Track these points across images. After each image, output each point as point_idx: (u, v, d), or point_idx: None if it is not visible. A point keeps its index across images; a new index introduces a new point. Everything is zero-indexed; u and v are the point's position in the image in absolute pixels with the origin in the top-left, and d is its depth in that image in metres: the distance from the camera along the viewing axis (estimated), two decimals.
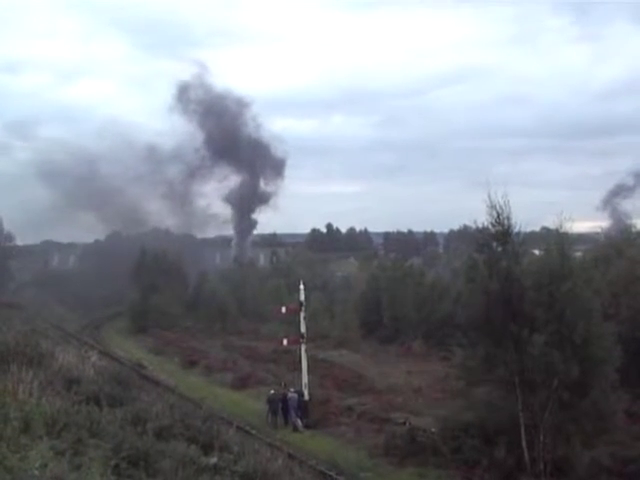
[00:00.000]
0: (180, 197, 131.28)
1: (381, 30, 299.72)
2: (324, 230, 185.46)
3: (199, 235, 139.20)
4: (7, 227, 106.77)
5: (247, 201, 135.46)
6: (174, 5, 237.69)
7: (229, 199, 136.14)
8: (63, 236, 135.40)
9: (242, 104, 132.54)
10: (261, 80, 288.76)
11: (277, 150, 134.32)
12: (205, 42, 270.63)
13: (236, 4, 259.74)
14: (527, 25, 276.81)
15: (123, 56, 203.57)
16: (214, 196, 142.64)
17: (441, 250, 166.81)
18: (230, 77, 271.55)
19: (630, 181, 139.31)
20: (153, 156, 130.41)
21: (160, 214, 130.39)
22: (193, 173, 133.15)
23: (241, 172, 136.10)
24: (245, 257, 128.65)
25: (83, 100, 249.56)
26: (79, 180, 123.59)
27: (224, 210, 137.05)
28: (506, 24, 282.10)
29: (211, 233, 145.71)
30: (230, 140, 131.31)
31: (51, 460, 9.80)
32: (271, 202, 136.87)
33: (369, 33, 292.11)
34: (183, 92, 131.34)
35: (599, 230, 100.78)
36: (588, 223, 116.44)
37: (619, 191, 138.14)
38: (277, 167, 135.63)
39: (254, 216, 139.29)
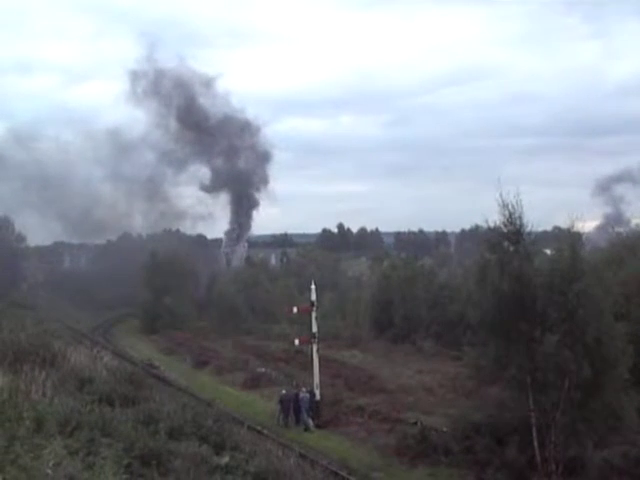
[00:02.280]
0: (152, 190, 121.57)
1: (390, 29, 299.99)
2: (335, 230, 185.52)
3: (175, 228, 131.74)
4: (18, 228, 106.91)
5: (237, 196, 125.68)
6: (183, 6, 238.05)
7: (207, 188, 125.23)
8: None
9: (206, 81, 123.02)
10: (270, 80, 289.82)
11: (261, 137, 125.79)
12: (214, 42, 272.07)
13: (245, 5, 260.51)
14: (538, 23, 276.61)
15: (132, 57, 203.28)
16: (191, 187, 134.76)
17: (452, 250, 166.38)
18: (239, 77, 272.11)
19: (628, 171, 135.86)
20: (122, 148, 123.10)
21: (129, 213, 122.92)
22: (166, 161, 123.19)
23: (219, 154, 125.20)
24: (236, 261, 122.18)
25: (91, 101, 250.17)
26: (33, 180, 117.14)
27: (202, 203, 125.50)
28: (516, 22, 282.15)
29: (188, 227, 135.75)
30: (199, 119, 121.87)
31: (64, 459, 9.87)
32: (262, 197, 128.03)
33: (378, 32, 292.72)
34: (136, 79, 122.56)
35: (610, 229, 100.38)
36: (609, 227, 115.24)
37: (617, 179, 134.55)
38: (261, 153, 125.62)
39: (243, 220, 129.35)
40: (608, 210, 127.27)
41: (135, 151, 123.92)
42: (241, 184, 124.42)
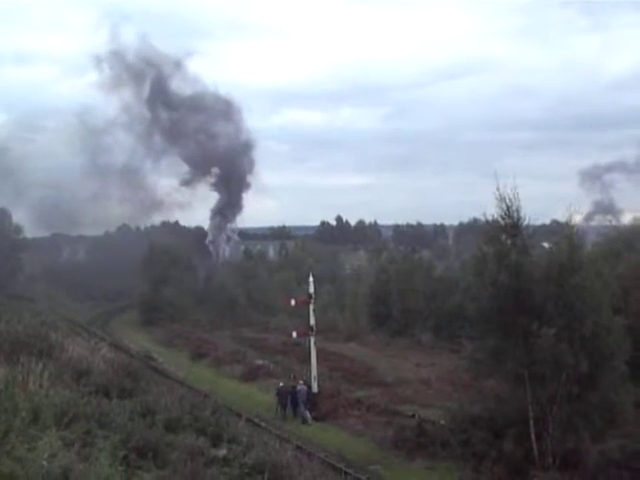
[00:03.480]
0: (129, 179, 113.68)
1: (389, 22, 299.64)
2: (333, 222, 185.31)
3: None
4: (15, 219, 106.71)
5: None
6: None
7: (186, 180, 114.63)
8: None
9: (175, 61, 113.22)
10: (269, 73, 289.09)
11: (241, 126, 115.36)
12: (213, 35, 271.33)
13: None
14: (535, 16, 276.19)
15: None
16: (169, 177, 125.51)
17: (451, 243, 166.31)
18: (238, 70, 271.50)
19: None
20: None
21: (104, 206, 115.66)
22: (142, 147, 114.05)
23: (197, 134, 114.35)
24: (220, 256, 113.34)
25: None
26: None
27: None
28: (514, 15, 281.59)
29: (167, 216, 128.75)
30: (170, 100, 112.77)
31: (60, 451, 9.86)
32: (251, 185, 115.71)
33: (377, 25, 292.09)
34: (100, 63, 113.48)
35: (609, 222, 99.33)
36: (598, 216, 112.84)
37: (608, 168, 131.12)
38: (243, 142, 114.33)
39: (233, 201, 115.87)
40: (598, 197, 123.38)
41: (108, 137, 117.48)
42: (227, 164, 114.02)
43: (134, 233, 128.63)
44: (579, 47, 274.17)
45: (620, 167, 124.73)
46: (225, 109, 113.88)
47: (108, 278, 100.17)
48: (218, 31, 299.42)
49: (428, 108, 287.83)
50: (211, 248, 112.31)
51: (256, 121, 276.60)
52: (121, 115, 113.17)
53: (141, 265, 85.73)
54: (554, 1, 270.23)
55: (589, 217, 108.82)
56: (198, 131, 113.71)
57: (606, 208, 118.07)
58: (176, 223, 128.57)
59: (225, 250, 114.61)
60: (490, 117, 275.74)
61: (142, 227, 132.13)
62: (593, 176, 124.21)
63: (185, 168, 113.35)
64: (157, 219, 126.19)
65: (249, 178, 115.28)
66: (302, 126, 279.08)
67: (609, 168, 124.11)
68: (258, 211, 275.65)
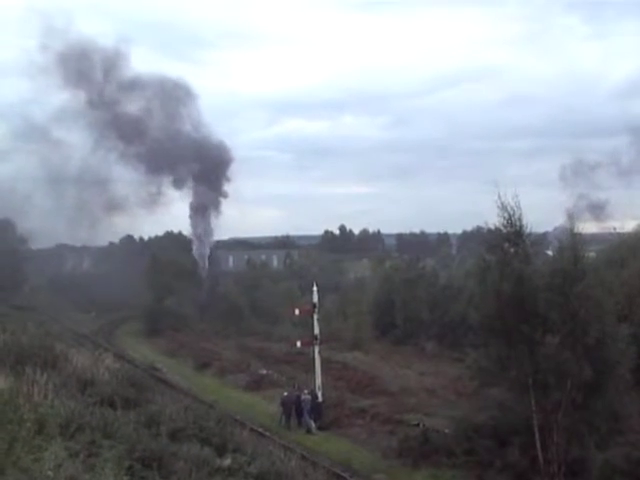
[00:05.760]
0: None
1: (390, 30, 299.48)
2: (337, 232, 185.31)
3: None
4: (20, 230, 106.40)
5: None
6: (184, 7, 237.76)
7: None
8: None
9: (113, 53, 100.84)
10: (271, 81, 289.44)
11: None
12: (215, 44, 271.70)
13: (246, 6, 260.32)
14: (537, 24, 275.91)
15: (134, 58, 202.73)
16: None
17: (454, 251, 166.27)
18: (240, 79, 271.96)
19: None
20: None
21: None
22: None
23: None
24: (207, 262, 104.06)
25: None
26: None
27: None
28: (516, 23, 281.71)
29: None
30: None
31: (65, 461, 9.91)
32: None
33: (378, 33, 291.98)
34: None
35: (612, 230, 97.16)
36: (601, 223, 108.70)
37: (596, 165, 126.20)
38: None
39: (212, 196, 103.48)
40: (582, 191, 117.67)
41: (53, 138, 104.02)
42: (203, 156, 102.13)
43: (138, 243, 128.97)
44: (581, 55, 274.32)
45: (610, 162, 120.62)
46: (182, 95, 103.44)
47: (112, 288, 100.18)
48: (218, 40, 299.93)
49: (430, 116, 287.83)
50: (198, 258, 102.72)
51: (257, 131, 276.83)
52: (63, 114, 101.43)
53: (145, 275, 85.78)
54: (557, 9, 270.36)
55: (572, 214, 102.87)
56: (150, 118, 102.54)
57: (594, 205, 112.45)
58: (179, 233, 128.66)
59: (205, 251, 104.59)
60: (492, 125, 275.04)
61: (145, 237, 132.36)
62: (576, 171, 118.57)
63: (141, 167, 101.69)
64: (120, 222, 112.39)
65: (224, 176, 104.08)
66: (304, 135, 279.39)
67: (596, 165, 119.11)
68: (261, 221, 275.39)
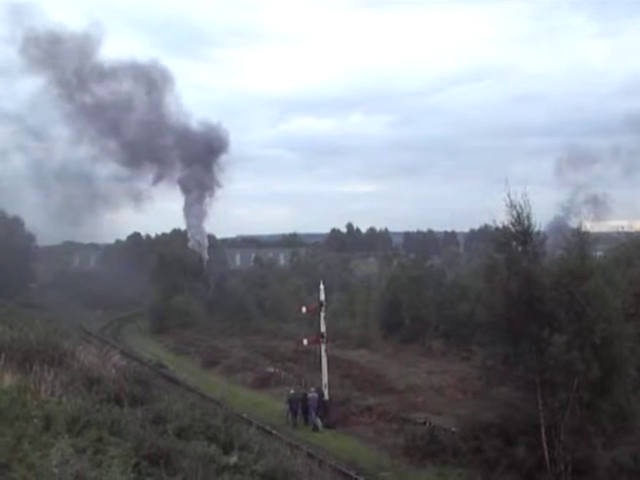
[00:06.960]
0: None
1: (398, 29, 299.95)
2: (344, 230, 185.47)
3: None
4: (28, 228, 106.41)
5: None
6: (193, 5, 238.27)
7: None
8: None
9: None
10: (280, 80, 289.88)
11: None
12: (224, 42, 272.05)
13: (255, 4, 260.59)
14: (545, 22, 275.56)
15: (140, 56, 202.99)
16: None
17: (462, 250, 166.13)
18: (248, 77, 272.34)
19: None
20: None
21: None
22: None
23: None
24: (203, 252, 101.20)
25: None
26: None
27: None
28: (523, 21, 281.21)
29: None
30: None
31: (72, 458, 9.92)
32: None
33: (386, 33, 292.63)
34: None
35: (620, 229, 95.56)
36: (610, 222, 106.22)
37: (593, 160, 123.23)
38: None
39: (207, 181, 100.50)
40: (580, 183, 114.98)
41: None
42: (189, 140, 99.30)
43: (146, 240, 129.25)
44: (589, 53, 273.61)
45: (609, 157, 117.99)
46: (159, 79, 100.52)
47: (119, 286, 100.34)
48: (227, 39, 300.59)
49: (437, 115, 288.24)
50: (197, 248, 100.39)
51: (265, 129, 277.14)
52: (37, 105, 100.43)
53: (152, 273, 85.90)
54: (564, 7, 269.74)
55: (567, 206, 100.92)
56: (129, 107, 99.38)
57: (591, 197, 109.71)
58: (186, 231, 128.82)
59: (203, 246, 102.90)
60: (500, 123, 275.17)
61: (152, 235, 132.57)
62: (572, 165, 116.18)
63: (123, 156, 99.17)
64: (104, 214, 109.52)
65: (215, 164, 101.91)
66: (311, 134, 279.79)
67: (593, 159, 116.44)
68: (269, 219, 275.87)
